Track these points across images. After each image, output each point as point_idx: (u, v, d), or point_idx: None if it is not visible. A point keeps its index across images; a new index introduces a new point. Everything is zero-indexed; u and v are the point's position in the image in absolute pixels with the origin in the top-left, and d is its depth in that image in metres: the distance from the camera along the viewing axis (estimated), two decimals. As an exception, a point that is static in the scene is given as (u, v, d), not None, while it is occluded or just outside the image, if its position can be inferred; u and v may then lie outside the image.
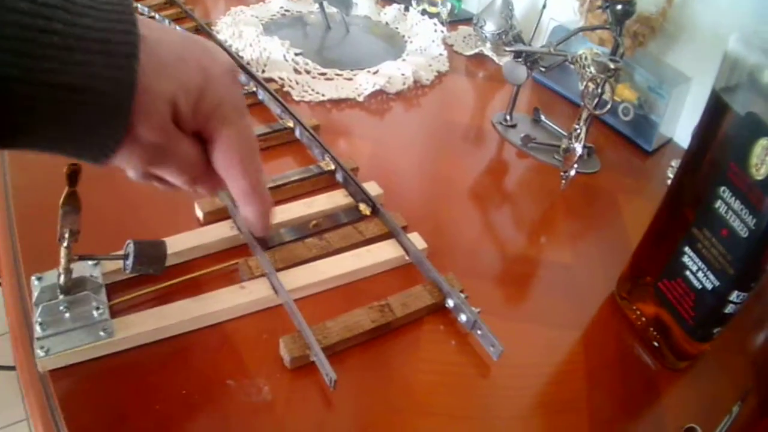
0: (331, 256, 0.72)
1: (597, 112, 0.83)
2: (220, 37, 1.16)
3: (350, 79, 1.11)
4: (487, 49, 1.29)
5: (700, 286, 0.64)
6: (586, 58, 0.81)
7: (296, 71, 1.11)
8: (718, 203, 0.60)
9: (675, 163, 1.03)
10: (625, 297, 0.75)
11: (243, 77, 1.02)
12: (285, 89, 1.06)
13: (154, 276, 0.64)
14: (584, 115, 0.84)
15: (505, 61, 0.99)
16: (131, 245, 0.62)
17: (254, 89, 1.00)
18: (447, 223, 0.84)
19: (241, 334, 0.64)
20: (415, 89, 1.15)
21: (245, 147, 0.50)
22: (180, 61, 0.45)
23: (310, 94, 1.05)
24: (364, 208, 0.80)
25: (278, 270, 0.69)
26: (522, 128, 1.06)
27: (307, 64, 1.12)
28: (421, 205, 0.87)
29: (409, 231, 0.78)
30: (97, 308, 0.60)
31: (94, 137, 0.42)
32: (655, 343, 0.70)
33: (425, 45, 1.26)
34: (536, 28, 1.20)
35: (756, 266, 0.60)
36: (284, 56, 1.12)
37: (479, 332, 0.66)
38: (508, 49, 0.97)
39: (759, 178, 0.55)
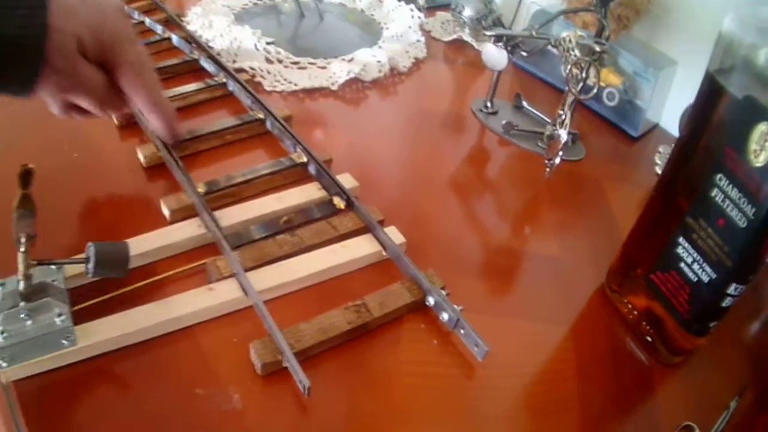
0: (304, 254, 0.69)
1: (582, 97, 0.80)
2: (190, 27, 1.12)
3: (324, 68, 1.08)
4: (465, 35, 1.26)
5: (695, 279, 0.61)
6: (570, 41, 0.78)
7: (268, 61, 1.08)
8: (714, 192, 0.57)
9: (662, 149, 1.01)
10: (616, 290, 0.72)
11: (212, 68, 0.99)
12: (256, 79, 1.02)
13: (119, 279, 0.62)
14: (569, 100, 0.82)
15: (484, 46, 0.96)
16: (91, 248, 0.59)
17: (224, 80, 0.97)
18: (426, 215, 0.81)
19: (209, 338, 0.61)
20: (391, 77, 1.12)
21: (142, 67, 0.65)
22: (81, 4, 0.58)
23: (282, 84, 1.02)
24: (338, 201, 0.76)
25: (248, 270, 0.65)
26: (503, 115, 1.03)
27: (279, 53, 1.09)
28: (399, 198, 0.84)
29: (386, 225, 0.74)
30: (59, 315, 0.57)
31: (19, 73, 0.55)
32: (648, 338, 0.68)
33: (402, 31, 1.23)
34: (516, 13, 1.17)
35: (754, 258, 0.57)
36: (255, 45, 1.09)
37: (462, 331, 0.63)
38: (488, 33, 0.94)
39: (758, 164, 0.53)
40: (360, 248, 0.71)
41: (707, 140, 0.60)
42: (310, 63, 1.09)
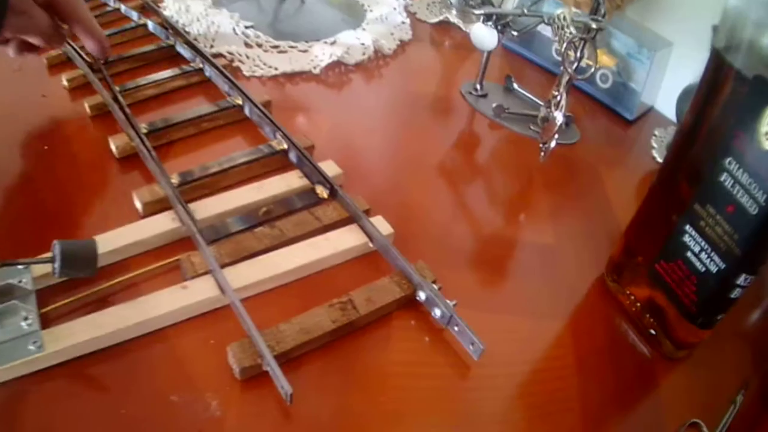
0: (285, 247, 0.66)
1: (579, 77, 0.77)
2: (167, 13, 1.09)
3: (305, 51, 1.04)
4: (452, 16, 1.23)
5: (703, 269, 0.58)
6: (564, 19, 0.75)
7: (247, 45, 1.04)
8: (723, 176, 0.54)
9: (658, 132, 0.99)
10: (616, 280, 0.69)
11: (189, 54, 0.96)
12: (234, 65, 0.99)
13: (89, 278, 0.59)
14: (564, 80, 0.78)
15: (474, 25, 0.93)
16: (57, 246, 0.56)
17: (200, 66, 0.93)
18: (415, 204, 0.78)
19: (185, 340, 0.58)
20: (376, 60, 1.08)
21: (77, 4, 0.78)
22: None
23: (261, 69, 0.98)
24: (321, 190, 0.73)
25: (224, 266, 0.62)
26: (493, 98, 1.00)
27: (258, 36, 1.05)
28: (385, 186, 0.81)
29: (372, 215, 0.71)
30: (26, 318, 0.55)
31: None
32: (652, 331, 0.65)
33: (386, 13, 1.20)
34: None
35: (766, 246, 0.54)
36: (234, 30, 1.06)
37: (456, 328, 0.59)
38: (477, 12, 0.90)
39: (771, 148, 0.49)
40: (345, 240, 0.68)
41: (714, 123, 0.57)
42: (291, 46, 1.05)
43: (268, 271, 0.63)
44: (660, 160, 0.92)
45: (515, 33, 0.93)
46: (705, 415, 0.58)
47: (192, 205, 0.68)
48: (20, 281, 0.57)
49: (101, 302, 0.59)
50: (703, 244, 0.57)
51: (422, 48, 1.16)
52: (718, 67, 0.56)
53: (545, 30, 1.01)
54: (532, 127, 0.93)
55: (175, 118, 0.81)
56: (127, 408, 0.52)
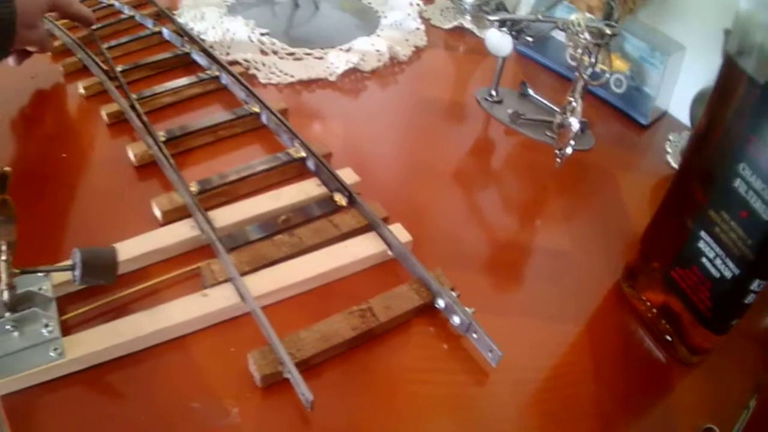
0: (304, 255, 0.66)
1: (594, 83, 0.77)
2: (181, 20, 1.09)
3: (321, 58, 1.05)
4: (466, 22, 1.23)
5: (717, 275, 0.58)
6: (579, 24, 0.75)
7: (262, 52, 1.05)
8: (737, 182, 0.54)
9: (672, 137, 0.98)
10: (632, 285, 0.69)
11: (205, 61, 0.96)
12: (250, 72, 1.00)
13: (109, 286, 0.59)
14: (579, 86, 0.78)
15: (488, 31, 0.93)
16: (77, 254, 0.56)
17: (217, 73, 0.93)
18: (432, 211, 0.78)
19: (205, 348, 0.58)
20: (391, 66, 1.08)
21: (73, 4, 0.89)
22: None
23: (278, 76, 0.99)
24: (339, 198, 0.73)
25: (244, 274, 0.62)
26: (509, 103, 1.00)
27: (273, 44, 1.06)
28: (403, 193, 0.81)
29: (390, 222, 0.72)
30: (47, 325, 0.55)
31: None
32: (668, 337, 0.65)
33: (401, 19, 1.20)
34: (519, -2, 1.15)
35: None
36: (249, 37, 1.06)
37: (475, 335, 0.60)
38: (492, 17, 0.91)
39: (785, 153, 0.49)
40: (363, 248, 0.68)
41: (727, 128, 0.57)
42: (307, 53, 1.06)
43: (288, 278, 0.63)
44: (675, 165, 0.92)
45: (530, 39, 0.93)
46: (719, 419, 0.58)
47: (211, 213, 0.69)
48: (40, 289, 0.58)
49: (121, 310, 0.60)
50: (717, 249, 0.57)
51: (437, 54, 1.16)
52: (730, 72, 0.56)
53: (559, 35, 1.01)
54: (547, 133, 0.93)
55: (193, 126, 0.81)
56: (147, 414, 0.52)
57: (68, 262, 0.57)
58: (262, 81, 0.98)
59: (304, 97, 0.97)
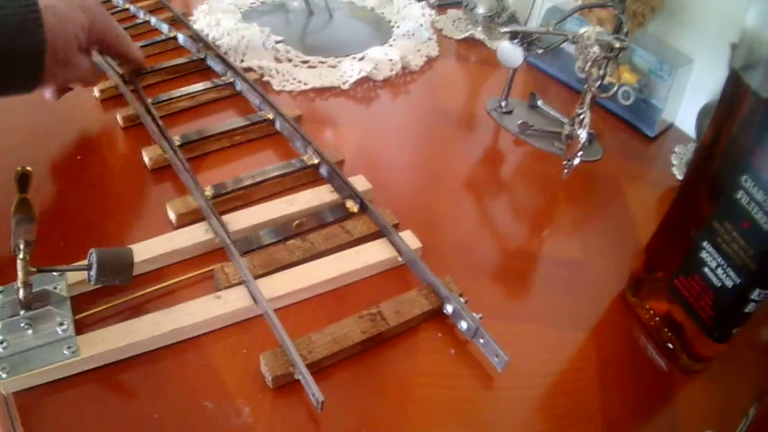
0: (316, 260, 0.67)
1: (603, 95, 0.78)
2: (197, 26, 1.11)
3: (334, 67, 1.06)
4: (478, 33, 1.24)
5: (719, 284, 0.58)
6: (589, 38, 0.76)
7: (277, 59, 1.06)
8: (740, 193, 0.55)
9: (678, 149, 0.98)
10: (636, 294, 0.70)
11: (220, 67, 0.97)
12: (265, 79, 1.01)
13: (124, 286, 0.60)
14: (587, 98, 0.79)
15: (500, 43, 0.94)
16: (93, 254, 0.57)
17: (231, 79, 0.95)
18: (442, 219, 0.79)
19: (218, 349, 0.59)
20: (403, 75, 1.09)
21: (124, 44, 0.86)
22: (70, 9, 0.71)
23: (291, 83, 1.00)
24: (351, 204, 0.74)
25: (257, 277, 0.63)
26: (518, 114, 1.01)
27: (288, 51, 1.07)
28: (414, 200, 0.82)
29: (401, 229, 0.73)
30: (61, 324, 0.56)
31: (24, 77, 0.68)
32: (670, 345, 0.65)
33: (413, 29, 1.21)
34: (531, 9, 1.15)
35: None
36: (264, 44, 1.07)
37: (482, 341, 0.60)
38: (503, 29, 0.92)
39: (786, 166, 0.50)
40: (374, 253, 0.69)
41: (732, 141, 0.57)
42: (321, 62, 1.07)
43: (300, 282, 0.64)
44: (680, 177, 0.92)
45: (540, 51, 0.94)
46: (720, 427, 0.59)
47: (225, 217, 0.70)
48: (55, 287, 0.59)
49: (135, 310, 0.61)
50: (719, 259, 0.58)
51: (449, 64, 1.17)
52: (736, 86, 0.56)
53: (569, 47, 1.02)
54: (556, 144, 0.94)
55: (208, 131, 0.82)
56: (160, 413, 0.53)
57: (84, 262, 0.58)
58: (276, 88, 0.99)
59: (317, 105, 0.98)
